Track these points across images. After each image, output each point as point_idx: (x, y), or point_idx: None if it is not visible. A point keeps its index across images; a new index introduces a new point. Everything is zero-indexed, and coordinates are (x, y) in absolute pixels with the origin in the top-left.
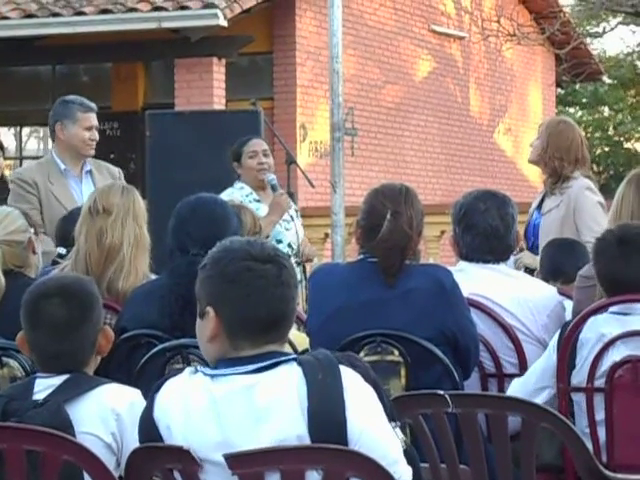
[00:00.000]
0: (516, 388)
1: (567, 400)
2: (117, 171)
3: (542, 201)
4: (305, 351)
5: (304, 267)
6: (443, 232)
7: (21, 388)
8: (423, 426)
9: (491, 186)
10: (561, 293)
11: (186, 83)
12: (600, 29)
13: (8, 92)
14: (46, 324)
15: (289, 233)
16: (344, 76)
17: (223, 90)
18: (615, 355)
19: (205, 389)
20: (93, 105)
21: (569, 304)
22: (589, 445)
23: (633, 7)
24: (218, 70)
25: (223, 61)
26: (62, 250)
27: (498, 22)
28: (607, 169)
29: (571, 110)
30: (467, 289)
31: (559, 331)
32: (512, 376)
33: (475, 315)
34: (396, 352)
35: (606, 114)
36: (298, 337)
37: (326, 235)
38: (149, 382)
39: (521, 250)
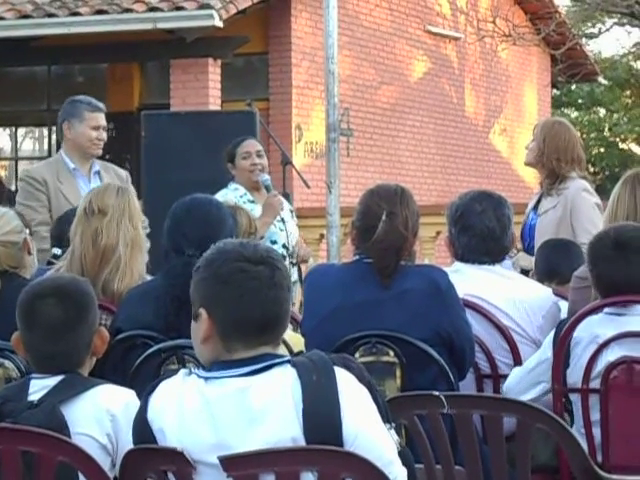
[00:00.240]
0: (513, 380)
1: (562, 401)
2: (125, 174)
3: (538, 202)
4: (300, 352)
5: (299, 268)
6: (439, 233)
7: (16, 389)
8: (418, 427)
9: (486, 187)
10: (556, 294)
11: (181, 84)
12: (595, 30)
13: (3, 92)
14: (42, 325)
15: (284, 234)
16: (339, 77)
17: (218, 91)
18: (610, 356)
19: (198, 391)
20: (101, 105)
21: (564, 305)
22: (584, 446)
23: (628, 8)
24: (213, 71)
25: (218, 62)
26: (57, 251)
27: (494, 23)
28: (603, 170)
29: (567, 111)
30: (462, 290)
31: (554, 329)
32: (507, 377)
33: (470, 316)
34: (391, 353)
35: (601, 115)
36: (293, 338)
37: (321, 236)
38: (144, 383)
39: (517, 251)
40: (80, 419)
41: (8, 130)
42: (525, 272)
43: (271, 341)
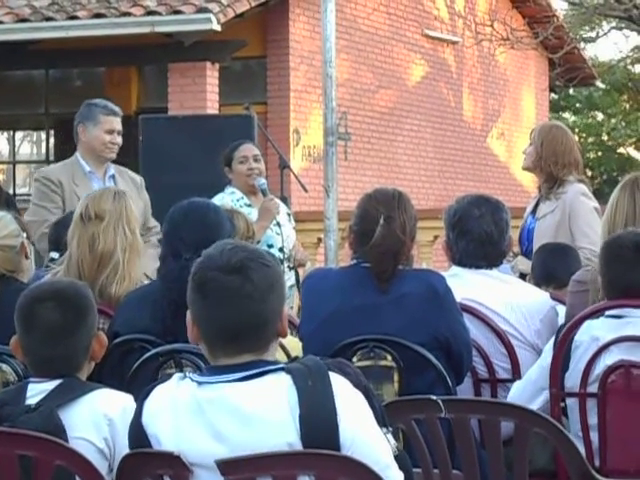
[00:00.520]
0: (516, 392)
1: (560, 405)
2: (139, 179)
3: (536, 206)
4: (296, 357)
5: (297, 272)
6: (436, 237)
7: (14, 393)
8: (416, 431)
9: (484, 191)
10: (554, 298)
11: (179, 87)
12: (593, 34)
13: (1, 96)
14: (40, 328)
15: (280, 237)
16: (337, 81)
17: (216, 94)
18: (608, 359)
19: (192, 395)
20: (117, 109)
21: (562, 309)
22: (582, 450)
23: (626, 12)
24: (211, 74)
25: (216, 65)
26: (55, 254)
27: (491, 26)
28: (600, 174)
29: (564, 115)
30: (460, 294)
31: (555, 335)
32: (505, 381)
33: (468, 320)
34: (389, 357)
35: (599, 119)
36: (291, 342)
37: (319, 240)
38: (142, 387)
39: (515, 255)
40: (78, 423)
41: (6, 134)
42: (523, 276)
43: (252, 349)
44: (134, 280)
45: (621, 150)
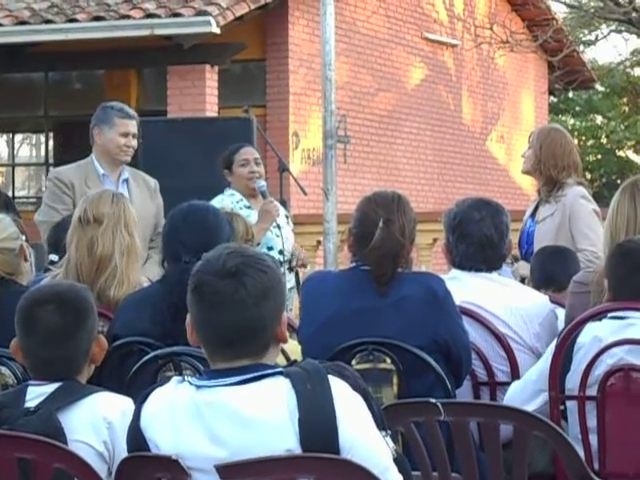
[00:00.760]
0: (515, 392)
1: (559, 408)
2: (154, 182)
3: (536, 209)
4: (295, 361)
5: (297, 273)
6: (435, 240)
7: (13, 396)
8: (415, 434)
9: (484, 193)
10: (553, 301)
11: (179, 90)
12: (593, 37)
13: (1, 99)
14: (40, 331)
15: (279, 240)
16: (337, 83)
17: (216, 97)
18: (608, 359)
19: (190, 399)
20: (133, 112)
21: (561, 312)
22: (581, 453)
23: (625, 15)
24: (211, 77)
25: (216, 68)
26: (54, 257)
27: (491, 29)
28: (600, 177)
29: (564, 118)
30: (460, 297)
31: (556, 338)
32: (504, 384)
33: (467, 323)
34: (388, 360)
35: (598, 122)
36: (291, 345)
37: (318, 242)
38: (141, 389)
39: (514, 258)
40: (77, 426)
41: (5, 136)
42: (524, 280)
43: (248, 354)
44: (133, 283)
45: (620, 153)
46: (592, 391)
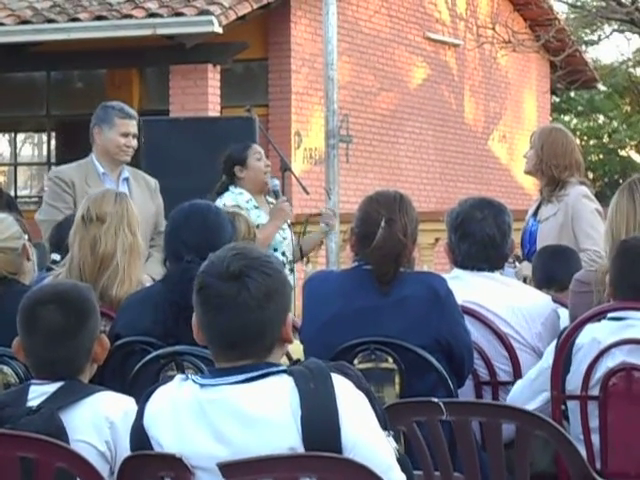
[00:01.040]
0: (516, 391)
1: (561, 408)
2: (154, 182)
3: (538, 208)
4: (298, 360)
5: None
6: (437, 239)
7: (15, 395)
8: (417, 433)
9: (486, 193)
10: (555, 301)
11: (181, 90)
12: (595, 37)
13: (3, 98)
14: (42, 330)
15: (286, 241)
16: (339, 83)
17: (218, 97)
18: (609, 361)
19: (194, 397)
20: (133, 112)
21: (563, 312)
22: (583, 452)
23: (628, 15)
24: (213, 77)
25: (218, 68)
26: (56, 256)
27: (493, 29)
28: (602, 177)
29: (566, 118)
30: (462, 297)
31: (557, 338)
32: (506, 384)
33: (469, 323)
34: (390, 359)
35: (601, 122)
36: (293, 345)
37: (321, 242)
38: (143, 389)
39: (516, 257)
40: (79, 426)
41: (7, 136)
42: (526, 280)
43: (251, 355)
44: (135, 282)
45: (623, 153)
46: (593, 392)
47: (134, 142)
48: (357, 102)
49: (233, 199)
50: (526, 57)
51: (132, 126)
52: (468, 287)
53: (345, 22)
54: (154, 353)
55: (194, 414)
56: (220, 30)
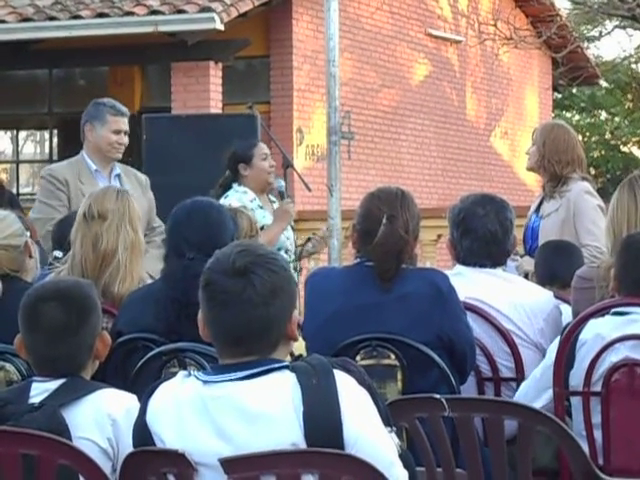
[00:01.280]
0: (522, 391)
1: (563, 404)
2: (144, 178)
3: (540, 204)
4: (300, 356)
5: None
6: (440, 236)
7: (17, 392)
8: (419, 430)
9: (487, 189)
10: (557, 297)
11: (183, 87)
12: (597, 33)
13: (5, 96)
14: (44, 327)
15: (289, 241)
16: (341, 80)
17: (220, 94)
18: (613, 356)
19: (197, 393)
20: (124, 109)
21: (565, 308)
22: (585, 448)
23: (629, 11)
24: (215, 74)
25: (220, 65)
26: (58, 253)
27: (495, 26)
28: (604, 173)
29: (568, 114)
30: (464, 293)
31: (560, 334)
32: (508, 380)
33: (472, 319)
34: (392, 356)
35: (603, 118)
36: None
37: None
38: (145, 386)
39: (518, 254)
40: (81, 423)
41: (9, 133)
42: (528, 276)
43: (255, 352)
44: (137, 279)
45: (625, 149)
46: (596, 388)
47: (125, 139)
48: (359, 99)
49: (238, 199)
50: (528, 54)
51: (124, 123)
52: (470, 283)
53: (347, 19)
54: (156, 350)
55: (197, 410)
56: (222, 27)
